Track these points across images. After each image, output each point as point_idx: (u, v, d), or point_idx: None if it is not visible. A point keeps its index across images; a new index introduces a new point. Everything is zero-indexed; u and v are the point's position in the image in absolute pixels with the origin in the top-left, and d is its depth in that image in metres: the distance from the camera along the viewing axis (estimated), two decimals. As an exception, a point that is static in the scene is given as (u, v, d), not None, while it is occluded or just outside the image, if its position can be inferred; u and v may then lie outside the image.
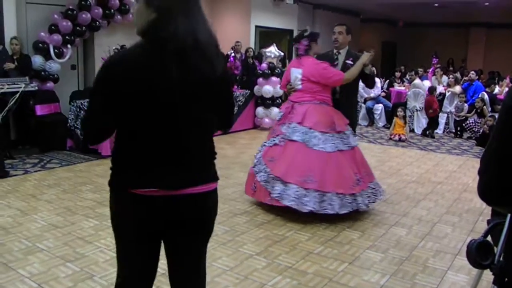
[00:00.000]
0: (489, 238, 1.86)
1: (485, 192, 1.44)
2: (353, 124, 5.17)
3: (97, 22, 8.01)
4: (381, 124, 11.30)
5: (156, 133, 1.81)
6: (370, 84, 5.46)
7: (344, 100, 5.09)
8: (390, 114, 10.90)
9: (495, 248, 1.77)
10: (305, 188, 4.56)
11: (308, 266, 3.73)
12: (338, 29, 5.17)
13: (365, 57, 4.90)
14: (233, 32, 12.60)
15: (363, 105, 11.53)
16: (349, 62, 5.03)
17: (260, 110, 9.89)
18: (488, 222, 1.92)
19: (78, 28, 7.78)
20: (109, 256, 3.72)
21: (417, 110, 10.57)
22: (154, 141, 1.82)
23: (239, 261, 3.76)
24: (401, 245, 4.24)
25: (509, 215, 1.75)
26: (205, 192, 1.93)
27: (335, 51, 5.18)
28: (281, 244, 4.14)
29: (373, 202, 4.97)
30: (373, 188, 4.95)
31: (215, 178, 2.00)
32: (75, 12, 7.72)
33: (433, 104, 10.25)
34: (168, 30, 1.76)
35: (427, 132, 10.21)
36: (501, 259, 1.71)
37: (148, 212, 1.85)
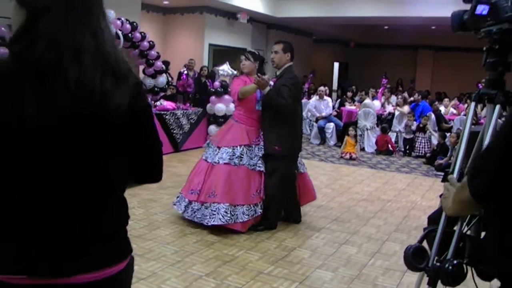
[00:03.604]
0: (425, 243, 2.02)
1: (482, 190, 1.48)
2: (271, 147, 4.92)
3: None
4: (332, 142, 11.44)
5: (23, 193, 1.29)
6: (277, 111, 4.91)
7: (263, 119, 5.07)
8: (341, 133, 11.07)
9: (429, 252, 1.95)
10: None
11: (258, 286, 3.68)
12: (274, 48, 5.08)
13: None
14: (186, 50, 12.61)
15: (315, 124, 11.67)
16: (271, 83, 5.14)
17: (212, 128, 9.82)
18: (424, 229, 2.06)
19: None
20: None
21: (367, 129, 10.77)
22: (18, 204, 1.30)
23: (188, 283, 3.67)
24: (351, 263, 4.26)
25: (441, 223, 1.93)
26: (104, 278, 1.37)
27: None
28: (231, 264, 4.08)
29: (203, 221, 4.81)
30: (210, 209, 4.78)
31: (122, 255, 1.44)
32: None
33: (389, 144, 10.54)
34: (27, 40, 1.25)
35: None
36: (434, 262, 1.89)
37: None
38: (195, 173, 5.13)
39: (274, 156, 4.91)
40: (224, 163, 4.87)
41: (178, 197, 5.20)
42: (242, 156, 4.91)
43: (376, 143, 10.61)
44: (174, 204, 5.19)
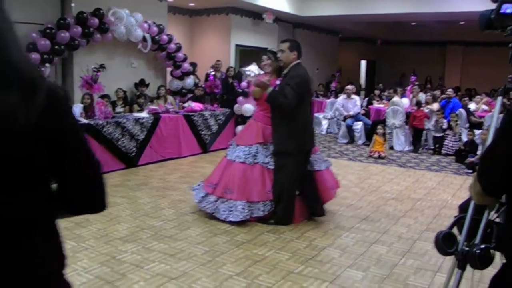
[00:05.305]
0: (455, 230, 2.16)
1: (491, 188, 1.65)
2: (277, 144, 5.04)
3: (76, 41, 7.96)
4: (360, 141, 11.35)
5: None
6: (274, 109, 5.07)
7: (272, 117, 5.12)
8: (369, 132, 10.97)
9: (458, 237, 2.10)
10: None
11: (288, 286, 3.69)
12: (281, 47, 5.13)
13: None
14: (213, 51, 12.68)
15: (342, 122, 11.61)
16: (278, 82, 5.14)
17: (240, 128, 9.87)
18: (455, 217, 2.21)
19: (56, 47, 7.71)
20: (85, 279, 3.63)
21: (396, 127, 10.65)
22: None
23: (219, 282, 3.70)
24: (381, 263, 4.23)
25: (470, 211, 2.09)
26: None
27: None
28: (261, 264, 4.10)
29: (216, 214, 5.10)
30: (227, 205, 5.05)
31: None
32: (53, 30, 7.68)
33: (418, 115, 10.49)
34: None
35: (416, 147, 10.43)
36: (463, 247, 2.04)
37: None
38: (216, 168, 5.44)
39: (281, 153, 5.02)
40: (240, 162, 5.13)
41: (199, 184, 5.52)
42: (256, 154, 5.15)
43: (412, 119, 10.56)
44: (193, 190, 5.50)
